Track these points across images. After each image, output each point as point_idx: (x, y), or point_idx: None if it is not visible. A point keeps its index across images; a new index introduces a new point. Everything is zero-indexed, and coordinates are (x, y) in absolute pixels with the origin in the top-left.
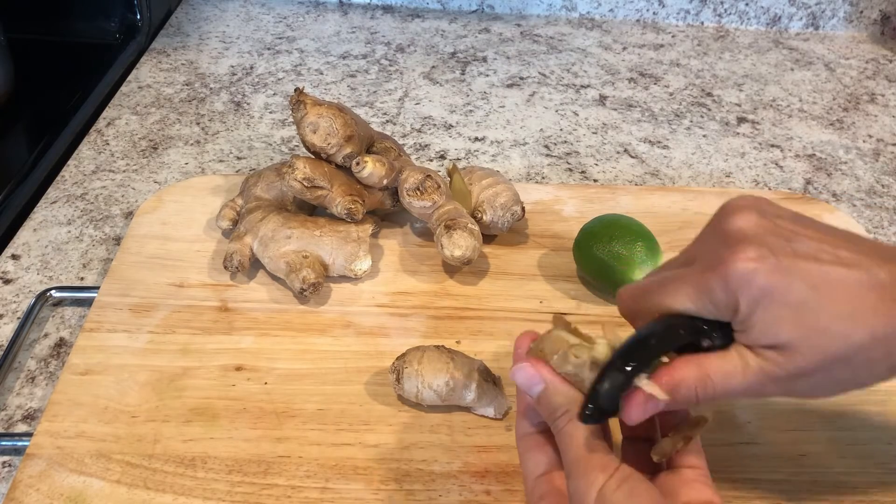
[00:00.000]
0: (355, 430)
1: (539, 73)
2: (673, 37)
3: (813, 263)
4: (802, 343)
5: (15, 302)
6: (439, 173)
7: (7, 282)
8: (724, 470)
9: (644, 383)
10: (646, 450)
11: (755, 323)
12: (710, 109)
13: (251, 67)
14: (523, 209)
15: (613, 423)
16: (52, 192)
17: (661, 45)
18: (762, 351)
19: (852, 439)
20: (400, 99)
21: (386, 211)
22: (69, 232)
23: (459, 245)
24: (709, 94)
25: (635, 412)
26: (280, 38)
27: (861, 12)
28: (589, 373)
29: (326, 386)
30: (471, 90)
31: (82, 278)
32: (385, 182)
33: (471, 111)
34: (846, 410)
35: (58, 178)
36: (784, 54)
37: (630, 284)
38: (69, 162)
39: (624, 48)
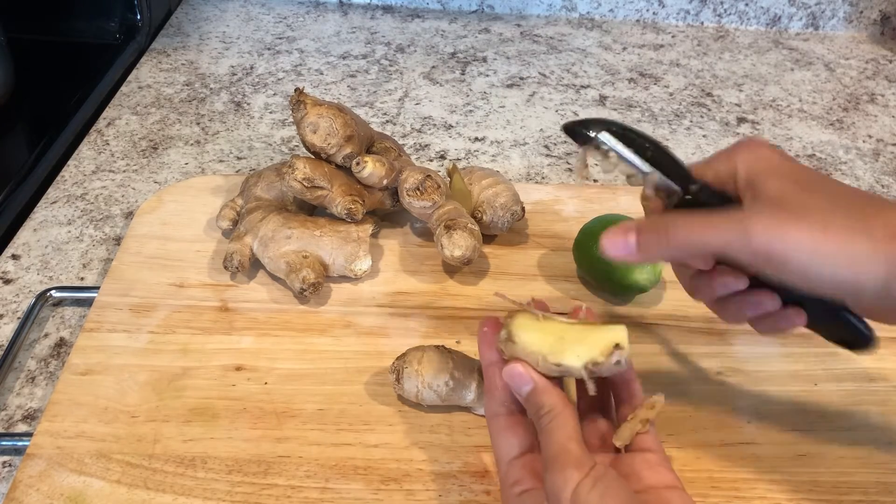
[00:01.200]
0: (355, 431)
1: (539, 73)
2: (673, 37)
3: (812, 172)
4: (789, 203)
5: (15, 302)
6: (439, 173)
7: (7, 282)
8: (724, 470)
9: None
10: (602, 429)
11: (750, 183)
12: (710, 109)
13: (251, 67)
14: (523, 209)
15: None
16: (52, 192)
17: (661, 46)
18: (751, 207)
19: (852, 439)
20: (400, 99)
21: (386, 211)
22: (69, 232)
23: (459, 245)
24: (709, 95)
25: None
26: (280, 39)
27: (861, 12)
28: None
29: (326, 386)
30: (471, 90)
31: (82, 278)
32: (385, 182)
33: (471, 111)
34: (846, 410)
35: (58, 178)
36: (784, 54)
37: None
38: (69, 162)
39: (624, 48)
